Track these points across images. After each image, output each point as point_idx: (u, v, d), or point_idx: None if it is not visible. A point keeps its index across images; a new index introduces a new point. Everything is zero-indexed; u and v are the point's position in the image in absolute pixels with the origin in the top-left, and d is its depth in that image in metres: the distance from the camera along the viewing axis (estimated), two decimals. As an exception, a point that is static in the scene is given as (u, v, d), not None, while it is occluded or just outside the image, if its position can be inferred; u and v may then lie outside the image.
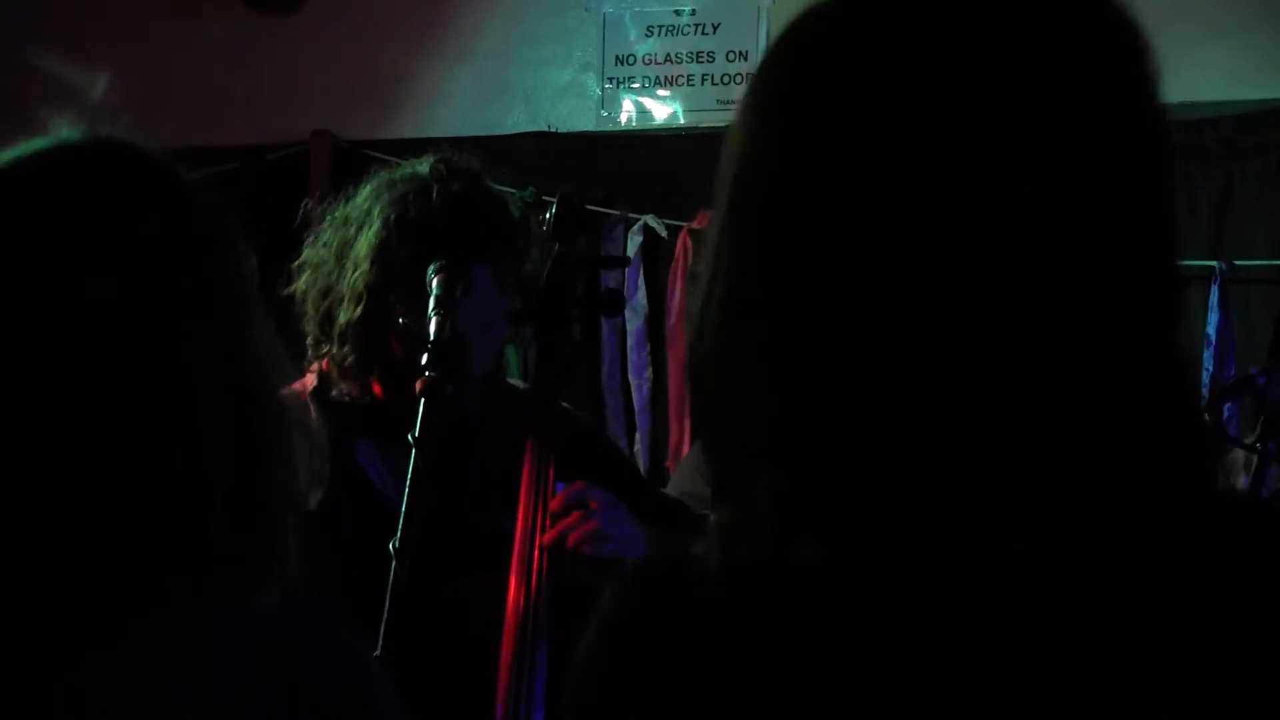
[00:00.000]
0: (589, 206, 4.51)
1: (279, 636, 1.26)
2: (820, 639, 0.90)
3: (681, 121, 4.68)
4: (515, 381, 2.74)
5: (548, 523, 2.28)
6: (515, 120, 4.75)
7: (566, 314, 2.47)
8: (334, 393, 2.45)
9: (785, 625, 0.91)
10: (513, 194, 4.48)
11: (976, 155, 0.90)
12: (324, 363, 2.45)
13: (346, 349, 2.42)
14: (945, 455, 0.90)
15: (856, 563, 0.91)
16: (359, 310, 2.39)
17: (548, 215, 2.48)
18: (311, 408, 2.44)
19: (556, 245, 2.48)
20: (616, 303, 2.78)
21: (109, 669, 1.19)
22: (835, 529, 0.91)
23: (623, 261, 3.21)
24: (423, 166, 2.47)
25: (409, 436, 2.12)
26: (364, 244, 2.41)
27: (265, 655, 1.25)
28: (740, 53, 4.60)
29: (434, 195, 2.42)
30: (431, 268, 2.28)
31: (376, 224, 2.41)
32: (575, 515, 2.28)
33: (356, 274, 2.40)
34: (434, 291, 2.25)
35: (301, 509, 1.30)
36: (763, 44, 4.56)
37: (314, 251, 2.47)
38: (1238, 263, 4.19)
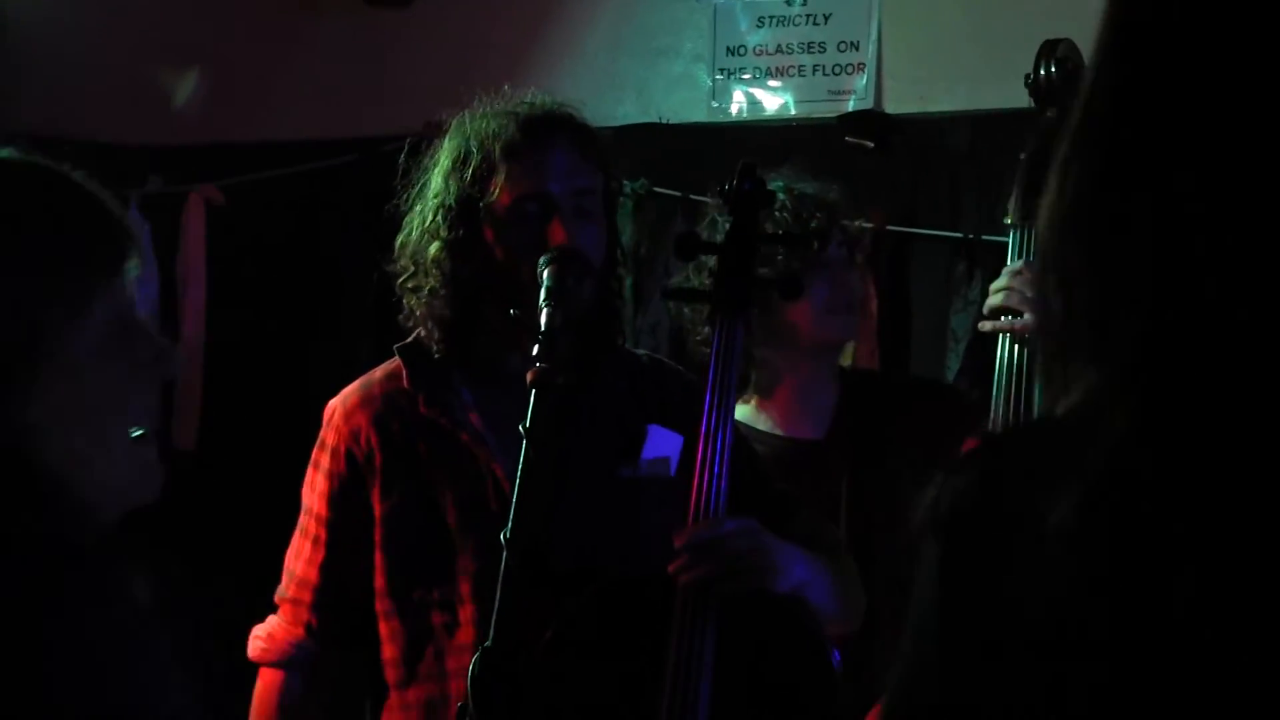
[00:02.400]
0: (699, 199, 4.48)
1: None
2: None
3: (793, 112, 4.66)
4: (639, 352, 2.66)
5: (714, 541, 2.22)
6: (626, 112, 4.75)
7: (745, 293, 2.35)
8: (433, 350, 2.43)
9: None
10: (625, 184, 4.52)
11: None
12: (421, 318, 2.43)
13: (433, 281, 2.39)
14: None
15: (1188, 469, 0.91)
16: (438, 236, 2.38)
17: (726, 188, 2.38)
18: (403, 371, 2.44)
19: (732, 220, 2.37)
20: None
21: None
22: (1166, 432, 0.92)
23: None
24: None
25: (520, 428, 2.09)
26: (437, 174, 2.41)
27: None
28: (852, 43, 4.57)
29: (506, 116, 2.41)
30: (543, 259, 2.27)
31: (447, 154, 2.42)
32: (745, 555, 2.22)
33: (434, 200, 2.40)
34: (545, 282, 2.23)
35: None
36: (874, 34, 4.53)
37: (406, 215, 2.47)
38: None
